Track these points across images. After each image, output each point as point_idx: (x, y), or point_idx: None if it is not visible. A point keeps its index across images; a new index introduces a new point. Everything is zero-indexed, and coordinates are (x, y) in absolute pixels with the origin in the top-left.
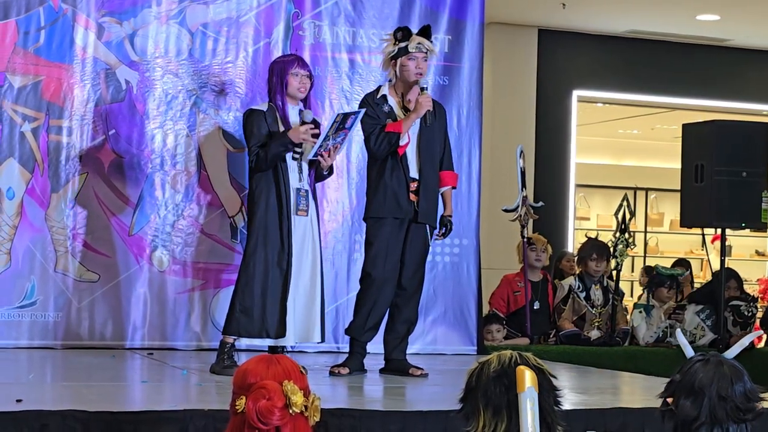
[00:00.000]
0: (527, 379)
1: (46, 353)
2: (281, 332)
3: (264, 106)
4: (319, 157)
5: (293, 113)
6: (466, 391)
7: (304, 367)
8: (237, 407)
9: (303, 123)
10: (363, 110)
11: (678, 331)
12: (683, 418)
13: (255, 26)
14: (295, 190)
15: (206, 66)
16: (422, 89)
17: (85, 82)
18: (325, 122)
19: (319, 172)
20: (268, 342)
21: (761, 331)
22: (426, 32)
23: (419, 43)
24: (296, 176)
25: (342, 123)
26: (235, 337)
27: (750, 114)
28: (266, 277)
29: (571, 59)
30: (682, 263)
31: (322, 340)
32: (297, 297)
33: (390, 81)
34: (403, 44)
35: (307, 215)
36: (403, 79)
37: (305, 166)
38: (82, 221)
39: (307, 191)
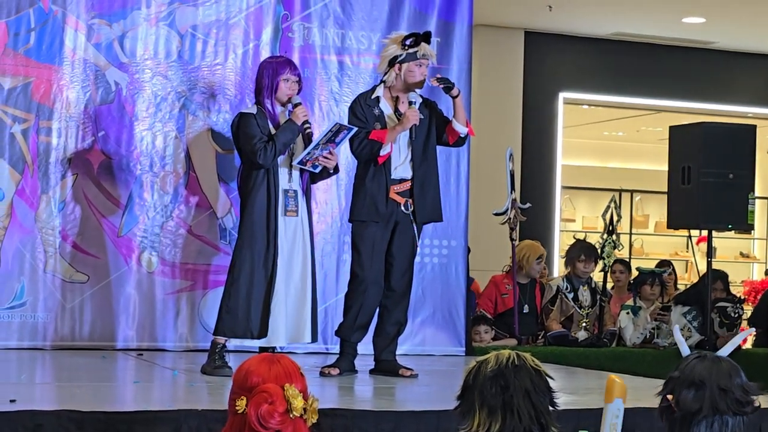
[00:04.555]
0: (616, 390)
1: (36, 354)
2: (263, 333)
3: (253, 109)
4: (303, 166)
5: (282, 115)
6: (463, 389)
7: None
8: (237, 408)
9: (296, 105)
10: (354, 128)
11: (675, 328)
12: (685, 411)
13: (244, 28)
14: (283, 191)
15: (195, 68)
16: (410, 103)
17: (74, 83)
18: (317, 129)
19: (326, 170)
20: (253, 343)
21: (753, 329)
22: (428, 38)
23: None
24: (285, 177)
25: (335, 135)
26: (226, 338)
27: (735, 116)
28: (251, 278)
29: (558, 61)
30: (666, 264)
31: (314, 340)
32: (288, 297)
33: (384, 83)
34: (413, 50)
35: (297, 215)
36: (405, 83)
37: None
38: (71, 222)
39: (295, 192)
